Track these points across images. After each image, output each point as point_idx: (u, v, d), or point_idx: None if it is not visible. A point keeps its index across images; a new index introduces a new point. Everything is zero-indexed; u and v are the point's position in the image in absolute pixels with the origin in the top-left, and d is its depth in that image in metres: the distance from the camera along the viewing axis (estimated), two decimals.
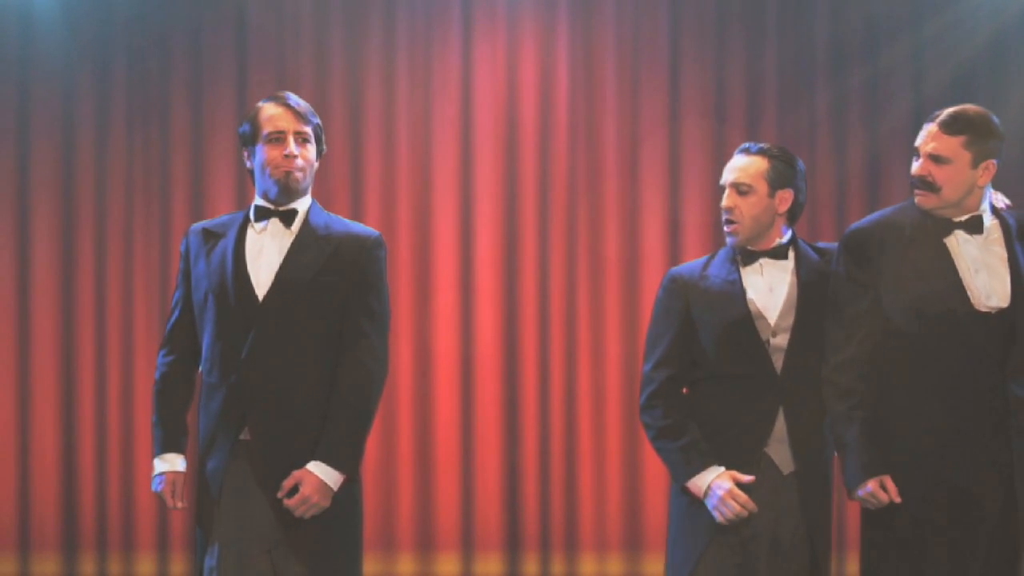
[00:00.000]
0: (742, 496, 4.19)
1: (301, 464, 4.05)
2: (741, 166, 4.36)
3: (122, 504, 7.13)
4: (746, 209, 4.33)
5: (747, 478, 4.21)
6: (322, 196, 7.23)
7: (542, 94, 7.27)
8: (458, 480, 7.15)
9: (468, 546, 7.16)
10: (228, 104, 7.22)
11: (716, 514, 4.21)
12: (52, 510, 7.14)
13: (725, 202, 4.37)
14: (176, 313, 4.28)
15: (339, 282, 4.13)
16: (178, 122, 7.22)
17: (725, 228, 4.38)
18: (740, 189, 4.34)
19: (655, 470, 7.15)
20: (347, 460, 4.09)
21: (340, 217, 4.33)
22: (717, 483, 4.20)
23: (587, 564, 7.18)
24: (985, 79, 7.24)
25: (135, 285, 7.19)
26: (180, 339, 4.26)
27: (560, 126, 7.26)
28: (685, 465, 4.24)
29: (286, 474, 4.05)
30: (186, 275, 4.27)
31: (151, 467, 4.29)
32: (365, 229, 4.28)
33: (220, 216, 4.42)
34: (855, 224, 4.40)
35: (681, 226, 7.25)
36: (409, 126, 7.25)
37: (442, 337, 7.15)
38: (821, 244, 4.56)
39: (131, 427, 7.15)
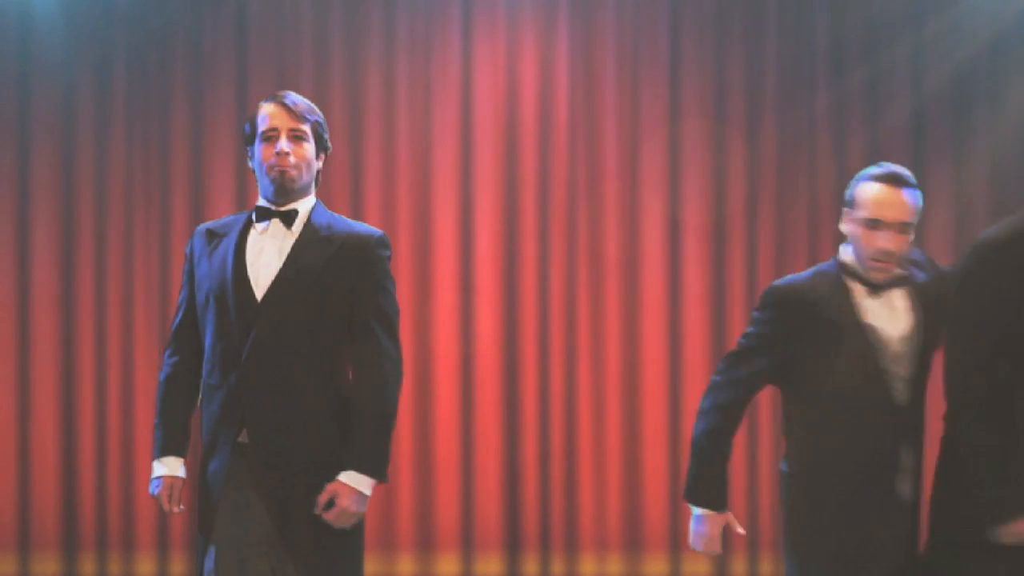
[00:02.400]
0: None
1: (299, 467, 4.04)
2: (909, 203, 4.12)
3: (122, 504, 7.14)
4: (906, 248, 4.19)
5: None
6: (322, 196, 7.24)
7: (542, 94, 7.27)
8: (458, 480, 7.15)
9: (468, 546, 7.16)
10: (228, 104, 7.22)
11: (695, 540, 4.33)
12: (52, 510, 7.14)
13: (890, 244, 4.10)
14: (180, 314, 4.27)
15: (342, 283, 4.10)
16: (178, 122, 7.22)
17: (880, 265, 4.13)
18: (906, 229, 4.15)
19: (655, 470, 7.16)
20: (377, 464, 4.07)
21: (343, 217, 4.30)
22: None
23: (587, 564, 7.19)
24: (985, 79, 7.25)
25: (135, 285, 7.19)
26: (184, 340, 4.24)
27: (560, 126, 7.26)
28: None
29: (284, 476, 4.03)
30: (190, 276, 4.25)
31: (147, 467, 4.29)
32: (368, 229, 4.23)
33: (226, 217, 4.40)
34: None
35: (681, 226, 7.25)
36: (409, 126, 7.25)
37: (442, 337, 7.15)
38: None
39: (131, 427, 7.15)
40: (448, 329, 7.16)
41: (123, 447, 7.16)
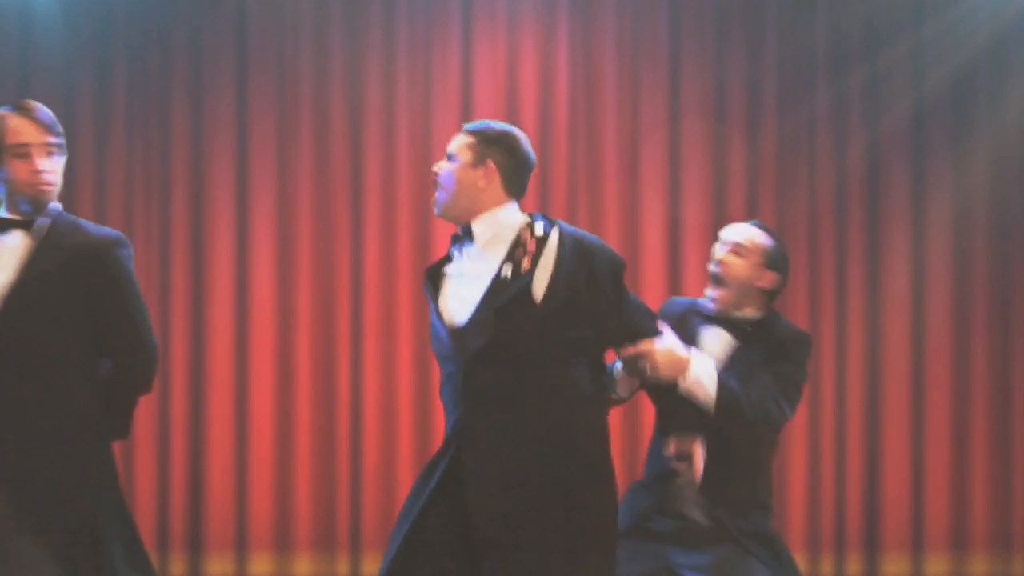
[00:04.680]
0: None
1: (38, 485, 3.97)
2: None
3: None
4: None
5: None
6: (322, 196, 7.28)
7: (542, 94, 7.27)
8: None
9: None
10: (228, 104, 7.22)
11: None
12: None
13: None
14: None
15: (76, 291, 4.04)
16: (178, 122, 7.22)
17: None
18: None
19: None
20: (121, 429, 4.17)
21: (83, 221, 4.21)
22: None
23: None
24: (985, 79, 7.25)
25: None
26: None
27: (560, 126, 7.26)
28: None
29: (22, 494, 3.95)
30: None
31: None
32: (104, 231, 4.16)
33: None
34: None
35: (681, 226, 7.25)
36: (409, 126, 7.25)
37: None
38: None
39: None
40: None
41: (123, 447, 7.15)
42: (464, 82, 7.26)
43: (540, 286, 3.88)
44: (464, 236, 4.04)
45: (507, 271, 3.91)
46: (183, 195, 7.23)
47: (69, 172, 7.11)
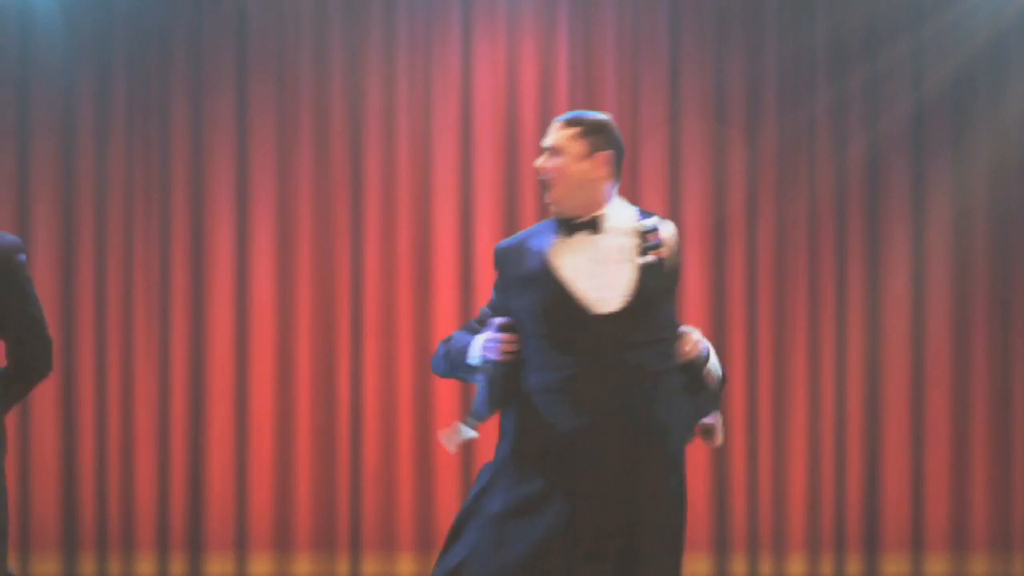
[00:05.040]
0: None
1: None
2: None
3: (122, 504, 7.13)
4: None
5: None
6: (322, 196, 7.28)
7: (542, 94, 7.26)
8: (458, 480, 7.14)
9: None
10: (228, 104, 7.22)
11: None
12: (52, 510, 7.14)
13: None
14: None
15: None
16: (178, 122, 7.22)
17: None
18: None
19: None
20: None
21: None
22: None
23: None
24: (985, 79, 7.25)
25: (135, 285, 7.19)
26: None
27: None
28: None
29: None
30: None
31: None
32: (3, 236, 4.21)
33: None
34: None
35: (681, 226, 7.24)
36: (409, 126, 7.25)
37: (442, 337, 7.13)
38: None
39: (131, 427, 7.15)
40: (448, 329, 7.15)
41: (123, 447, 7.16)
42: (464, 82, 7.26)
43: (671, 274, 3.93)
44: (584, 226, 3.97)
45: (647, 259, 3.91)
46: (183, 195, 7.22)
47: (69, 172, 7.17)
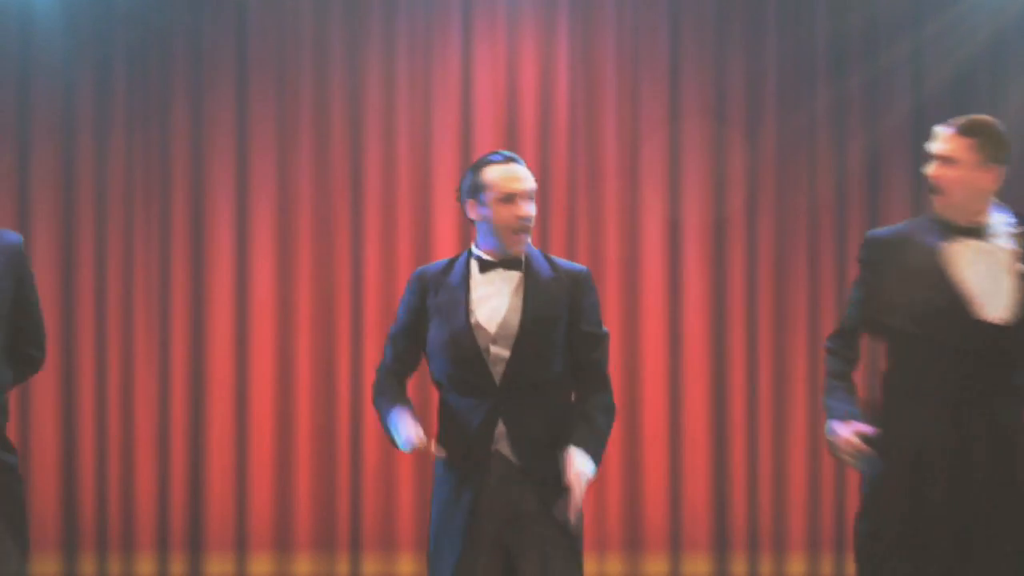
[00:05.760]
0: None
1: None
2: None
3: (122, 504, 7.14)
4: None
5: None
6: (322, 196, 7.28)
7: (542, 94, 7.27)
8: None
9: None
10: (228, 104, 7.23)
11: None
12: (52, 510, 7.14)
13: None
14: None
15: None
16: (178, 122, 7.22)
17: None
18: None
19: (655, 470, 7.15)
20: None
21: None
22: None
23: (588, 564, 7.15)
24: (985, 79, 7.25)
25: (135, 285, 7.19)
26: None
27: (560, 126, 7.26)
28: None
29: None
30: None
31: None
32: (9, 235, 4.32)
33: None
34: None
35: (681, 226, 7.25)
36: (409, 126, 7.25)
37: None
38: (560, 261, 4.45)
39: (131, 427, 7.15)
40: None
41: (123, 447, 7.16)
42: (464, 82, 7.26)
43: None
44: (969, 232, 4.01)
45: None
46: (183, 195, 7.23)
47: (69, 172, 7.17)
